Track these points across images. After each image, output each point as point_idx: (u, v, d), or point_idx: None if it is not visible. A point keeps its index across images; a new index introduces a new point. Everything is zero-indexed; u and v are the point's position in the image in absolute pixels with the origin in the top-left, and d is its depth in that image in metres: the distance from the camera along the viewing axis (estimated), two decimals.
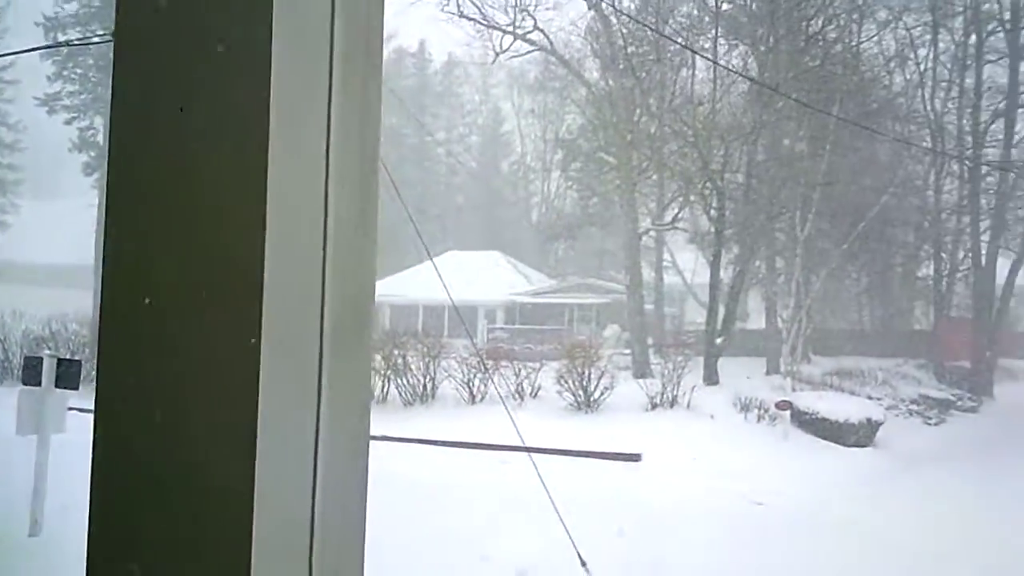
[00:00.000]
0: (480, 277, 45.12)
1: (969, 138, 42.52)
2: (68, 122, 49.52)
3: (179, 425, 1.08)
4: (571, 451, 21.69)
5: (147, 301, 1.11)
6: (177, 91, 1.11)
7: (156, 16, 1.13)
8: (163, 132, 1.12)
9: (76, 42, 41.62)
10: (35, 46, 43.09)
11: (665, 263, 45.76)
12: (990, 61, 42.85)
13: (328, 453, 1.15)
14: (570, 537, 11.14)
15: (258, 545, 1.04)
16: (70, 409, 12.38)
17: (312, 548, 1.13)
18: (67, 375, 12.64)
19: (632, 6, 38.26)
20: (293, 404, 1.12)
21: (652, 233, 41.25)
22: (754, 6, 36.67)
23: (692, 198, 37.53)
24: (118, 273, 1.14)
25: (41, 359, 12.90)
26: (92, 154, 45.12)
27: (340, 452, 1.18)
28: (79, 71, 47.87)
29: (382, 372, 27.56)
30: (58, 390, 12.66)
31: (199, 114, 1.10)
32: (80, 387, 12.78)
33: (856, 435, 24.95)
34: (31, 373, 12.75)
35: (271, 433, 1.06)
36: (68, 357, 14.61)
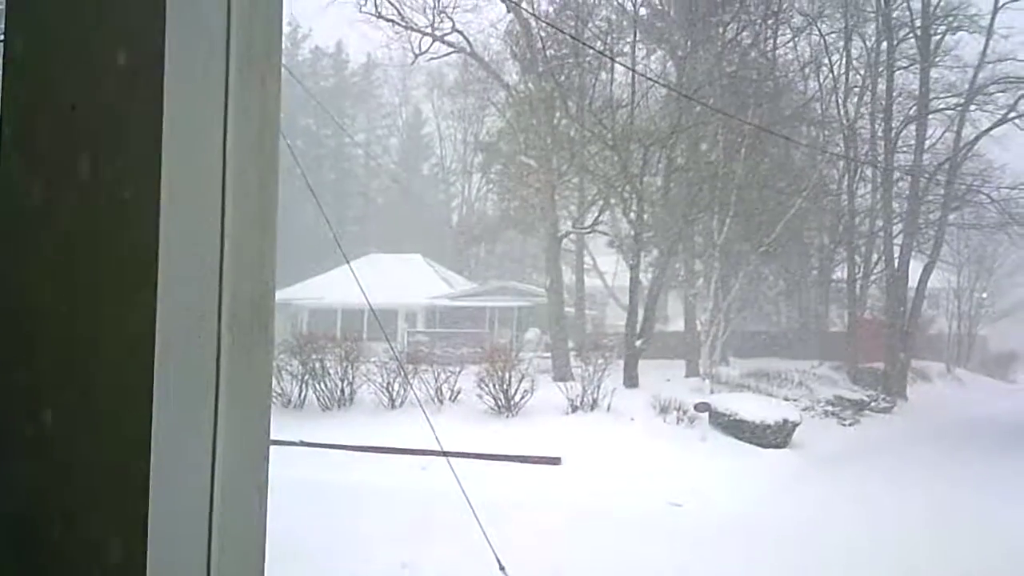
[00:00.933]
0: (400, 280, 44.85)
1: (882, 143, 43.34)
2: None
3: (71, 428, 1.05)
4: (491, 455, 21.63)
5: (38, 301, 1.09)
6: (68, 88, 1.09)
7: (49, 13, 1.11)
8: (54, 130, 1.09)
9: None
10: None
11: (586, 266, 45.88)
12: (902, 67, 43.78)
13: (226, 454, 1.12)
14: (488, 542, 11.07)
15: (153, 551, 1.01)
16: None
17: (210, 554, 1.10)
18: None
19: (551, 9, 38.39)
20: (189, 405, 1.09)
21: (572, 236, 41.35)
22: (672, 11, 37.02)
23: (612, 201, 37.68)
24: (6, 272, 1.11)
25: None
26: None
27: (239, 453, 1.15)
28: None
29: (299, 376, 27.28)
30: None
31: (91, 112, 1.07)
32: None
33: (773, 436, 25.25)
34: None
35: (166, 434, 1.04)
36: None
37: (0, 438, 1.08)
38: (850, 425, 31.60)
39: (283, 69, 1.33)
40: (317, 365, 27.67)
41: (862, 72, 45.40)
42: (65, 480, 1.05)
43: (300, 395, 27.33)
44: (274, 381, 25.47)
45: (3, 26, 1.16)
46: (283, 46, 1.34)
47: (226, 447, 1.12)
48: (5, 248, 1.10)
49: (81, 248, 1.07)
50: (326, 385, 27.64)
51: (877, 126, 43.69)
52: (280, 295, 41.91)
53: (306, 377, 27.44)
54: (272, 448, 1.21)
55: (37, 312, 1.08)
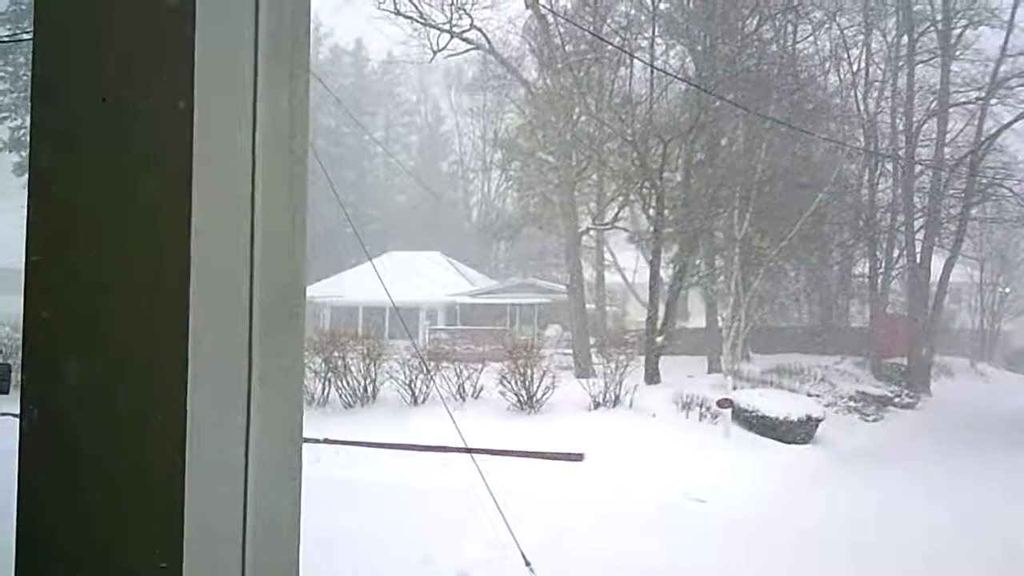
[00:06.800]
0: (421, 278, 44.99)
1: (902, 137, 43.15)
2: None
3: (107, 427, 1.06)
4: (514, 451, 21.63)
5: (71, 298, 1.09)
6: (98, 81, 1.09)
7: (77, 9, 1.11)
8: (84, 124, 1.09)
9: (6, 39, 40.86)
10: None
11: (606, 262, 45.87)
12: (922, 61, 43.59)
13: (260, 445, 1.13)
14: (514, 537, 11.08)
15: (189, 547, 1.02)
16: (2, 414, 12.08)
17: (245, 549, 1.11)
18: None
19: (569, 5, 38.36)
20: (223, 397, 1.10)
21: (592, 232, 41.33)
22: (691, 5, 36.92)
23: (632, 197, 37.69)
24: (41, 271, 1.11)
25: None
26: (23, 154, 44.37)
27: (273, 444, 1.16)
28: (9, 69, 47.04)
29: (322, 374, 27.33)
30: None
31: (122, 105, 1.08)
32: (10, 391, 12.49)
33: (796, 432, 25.18)
34: None
35: (200, 427, 1.04)
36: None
37: (36, 433, 1.08)
38: (874, 421, 31.49)
39: None
40: (339, 363, 27.70)
41: (882, 66, 45.27)
42: (101, 473, 1.06)
43: (323, 392, 27.39)
44: None
45: (31, 20, 1.16)
46: None
47: (260, 438, 1.13)
48: (36, 240, 1.11)
49: (112, 242, 1.08)
50: (348, 382, 27.68)
51: (898, 120, 43.53)
52: None
53: (328, 375, 27.48)
54: None
55: (69, 307, 1.09)
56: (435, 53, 41.40)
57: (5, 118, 48.01)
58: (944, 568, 13.45)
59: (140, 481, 1.04)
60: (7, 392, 11.39)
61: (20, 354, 1.11)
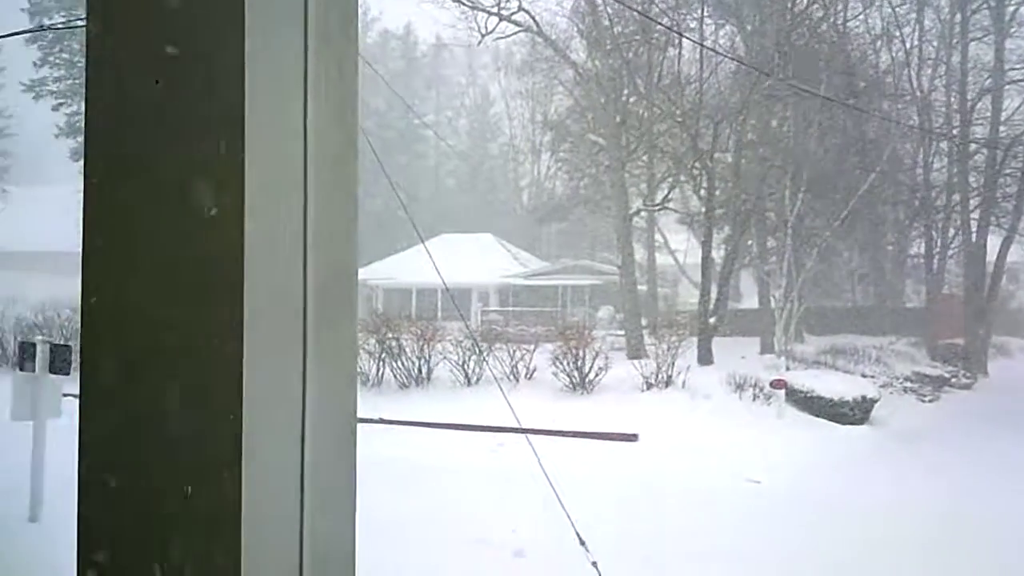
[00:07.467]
0: (472, 260, 45.13)
1: (957, 116, 42.58)
2: (55, 108, 49.36)
3: (165, 405, 1.07)
4: (567, 432, 21.70)
5: (127, 279, 1.11)
6: (152, 64, 1.10)
7: None
8: (138, 106, 1.11)
9: (60, 26, 41.39)
10: (18, 30, 42.83)
11: (657, 243, 45.75)
12: (976, 38, 42.93)
13: (315, 426, 1.14)
14: (569, 518, 11.12)
15: (247, 523, 1.04)
16: (65, 395, 12.33)
17: (303, 523, 1.13)
18: (60, 360, 12.62)
19: None
20: (278, 378, 1.11)
21: (643, 214, 41.24)
22: None
23: (682, 178, 37.55)
24: (97, 253, 1.13)
25: (35, 345, 12.87)
26: (79, 139, 44.95)
27: (327, 424, 1.17)
28: (65, 56, 47.71)
29: (377, 355, 27.55)
30: (52, 376, 12.64)
31: (175, 86, 1.09)
32: (71, 372, 12.75)
33: (851, 413, 25.01)
34: (25, 359, 12.76)
35: (256, 408, 1.06)
36: (61, 343, 14.57)
37: (94, 412, 1.11)
38: (930, 401, 31.19)
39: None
40: (393, 344, 27.91)
41: (935, 44, 44.68)
42: (159, 450, 1.07)
43: (378, 373, 27.62)
44: None
45: (85, 6, 1.18)
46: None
47: (315, 419, 1.14)
48: (93, 222, 1.13)
49: (167, 220, 1.09)
50: (403, 363, 27.89)
51: (952, 98, 42.93)
52: None
53: (383, 356, 27.70)
54: None
55: (125, 287, 1.11)
56: (483, 36, 41.40)
57: (61, 104, 48.68)
58: (1002, 549, 13.34)
59: (198, 457, 1.05)
60: (68, 373, 11.53)
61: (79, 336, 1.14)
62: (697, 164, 33.82)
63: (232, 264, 1.05)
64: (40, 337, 15.27)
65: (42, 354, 12.61)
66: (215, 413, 1.04)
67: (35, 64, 50.21)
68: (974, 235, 41.70)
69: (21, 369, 12.77)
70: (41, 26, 39.91)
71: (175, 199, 1.09)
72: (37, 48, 48.69)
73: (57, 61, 48.83)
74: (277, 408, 1.10)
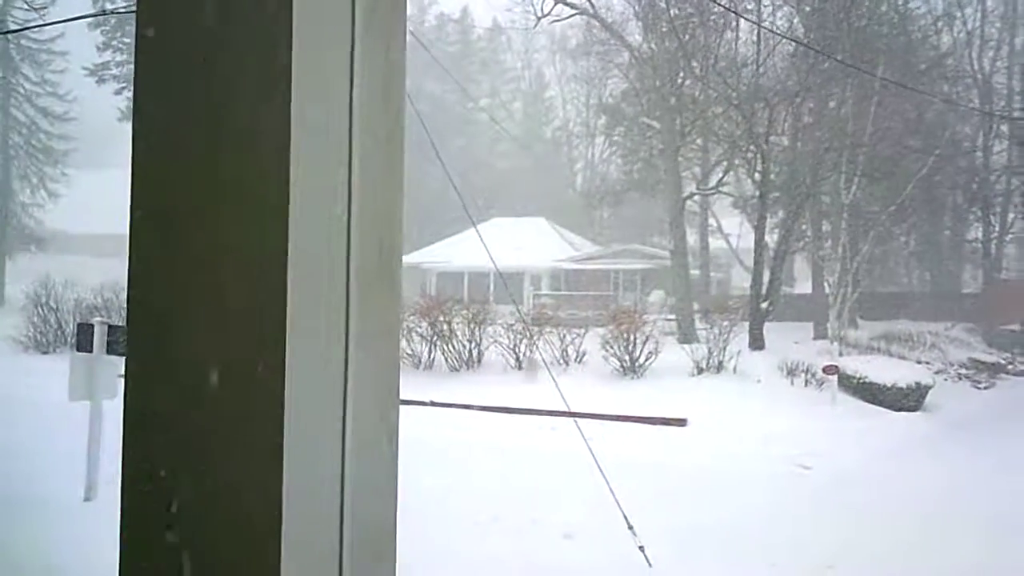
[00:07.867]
0: (525, 244, 45.19)
1: (1018, 98, 41.88)
2: (117, 92, 49.91)
3: (208, 384, 1.09)
4: (617, 416, 21.72)
5: (173, 258, 1.12)
6: (199, 42, 1.12)
7: None
8: (185, 83, 1.12)
9: (123, 10, 41.86)
10: (81, 15, 43.41)
11: (710, 228, 45.54)
12: None
13: (357, 403, 1.15)
14: (616, 501, 11.18)
15: (288, 500, 1.05)
16: (121, 376, 12.50)
17: (343, 503, 1.14)
18: (117, 341, 12.78)
19: None
20: (320, 355, 1.12)
21: (697, 198, 41.06)
22: None
23: (737, 162, 37.29)
24: (143, 232, 1.15)
25: (92, 326, 13.05)
26: None
27: (369, 402, 1.18)
28: (127, 40, 48.18)
29: (428, 338, 27.72)
30: (109, 356, 12.82)
31: (222, 64, 1.10)
32: None
33: (905, 399, 24.77)
34: (83, 340, 12.93)
35: (298, 385, 1.07)
36: (119, 324, 14.79)
37: (140, 391, 1.13)
38: (985, 388, 30.79)
39: (409, 35, 1.35)
40: (445, 327, 28.05)
41: (998, 25, 43.95)
42: (202, 428, 1.08)
43: (429, 356, 27.80)
44: (404, 342, 26.10)
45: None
46: (409, 12, 1.36)
47: (357, 397, 1.15)
48: (139, 199, 1.16)
49: (212, 200, 1.10)
50: (454, 346, 28.03)
51: (1013, 81, 42.22)
52: (408, 259, 42.63)
53: (435, 339, 27.86)
54: (403, 408, 1.25)
55: (171, 266, 1.12)
56: (539, 19, 41.39)
57: (123, 88, 49.20)
58: None
59: (241, 436, 1.06)
60: (123, 354, 11.70)
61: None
62: (752, 147, 33.57)
63: (276, 246, 1.06)
64: (98, 318, 15.53)
65: (99, 335, 12.80)
66: (258, 394, 1.06)
67: (98, 48, 50.82)
68: None
69: (79, 350, 12.96)
70: (104, 11, 40.33)
71: (218, 182, 1.10)
72: (100, 33, 49.30)
73: (119, 46, 49.39)
74: (319, 388, 1.11)
